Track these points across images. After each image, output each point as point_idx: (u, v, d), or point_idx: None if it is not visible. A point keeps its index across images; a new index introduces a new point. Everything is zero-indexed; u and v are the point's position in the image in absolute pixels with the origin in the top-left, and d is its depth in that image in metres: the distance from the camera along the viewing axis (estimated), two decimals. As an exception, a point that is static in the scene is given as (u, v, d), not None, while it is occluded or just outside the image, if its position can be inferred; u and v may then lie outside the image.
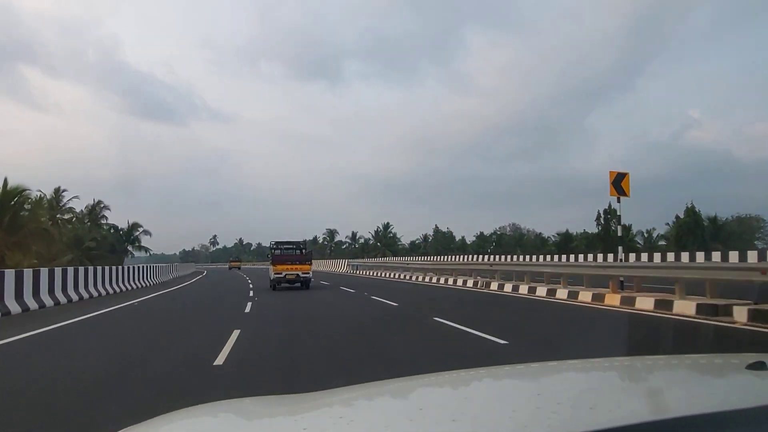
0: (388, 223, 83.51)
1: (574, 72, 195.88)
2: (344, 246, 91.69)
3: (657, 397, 1.18)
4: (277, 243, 23.14)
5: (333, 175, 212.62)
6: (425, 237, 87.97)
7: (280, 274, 20.90)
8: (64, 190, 48.87)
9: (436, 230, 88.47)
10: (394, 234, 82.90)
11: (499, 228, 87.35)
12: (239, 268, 68.35)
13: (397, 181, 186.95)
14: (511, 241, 78.21)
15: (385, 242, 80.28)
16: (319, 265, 49.51)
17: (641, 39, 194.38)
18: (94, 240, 47.59)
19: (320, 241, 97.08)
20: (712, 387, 1.29)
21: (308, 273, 21.03)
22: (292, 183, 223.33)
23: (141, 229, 61.84)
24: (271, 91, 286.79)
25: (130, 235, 60.11)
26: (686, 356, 1.80)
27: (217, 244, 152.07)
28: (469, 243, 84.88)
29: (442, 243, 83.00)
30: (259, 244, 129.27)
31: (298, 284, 20.70)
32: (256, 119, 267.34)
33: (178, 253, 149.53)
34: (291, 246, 22.98)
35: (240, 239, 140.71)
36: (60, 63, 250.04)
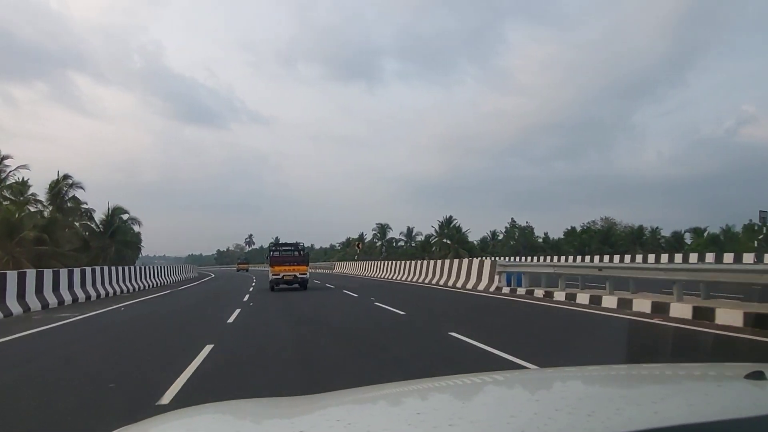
0: (450, 217, 71.35)
1: (619, 66, 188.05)
2: (399, 244, 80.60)
3: (656, 405, 1.14)
4: (275, 245, 25.16)
5: (369, 176, 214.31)
6: (494, 233, 78.45)
7: (278, 275, 22.22)
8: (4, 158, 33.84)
9: (512, 225, 77.29)
10: (459, 227, 70.48)
11: (588, 222, 74.06)
12: (247, 270, 71.07)
13: (434, 181, 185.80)
14: (628, 238, 66.40)
15: (457, 238, 67.50)
16: (372, 270, 40.47)
17: (692, 30, 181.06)
18: (40, 229, 32.17)
19: (368, 239, 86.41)
20: (711, 396, 1.26)
21: (305, 274, 22.48)
22: (329, 184, 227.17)
23: (127, 216, 45.57)
24: (309, 92, 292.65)
25: (110, 225, 43.16)
26: (686, 365, 1.85)
27: (253, 243, 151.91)
28: (554, 239, 75.79)
29: (520, 240, 73.38)
30: (296, 243, 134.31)
31: (296, 285, 22.10)
32: (294, 121, 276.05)
33: (214, 254, 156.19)
34: (289, 248, 24.39)
35: (276, 238, 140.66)
36: (107, 69, 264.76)
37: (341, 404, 1.32)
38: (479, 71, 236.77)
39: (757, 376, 1.19)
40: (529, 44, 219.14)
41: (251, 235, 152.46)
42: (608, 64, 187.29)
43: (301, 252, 24.17)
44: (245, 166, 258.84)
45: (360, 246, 64.83)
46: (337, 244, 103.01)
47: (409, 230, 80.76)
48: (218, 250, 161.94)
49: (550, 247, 71.08)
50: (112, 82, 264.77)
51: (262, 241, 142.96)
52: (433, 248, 69.34)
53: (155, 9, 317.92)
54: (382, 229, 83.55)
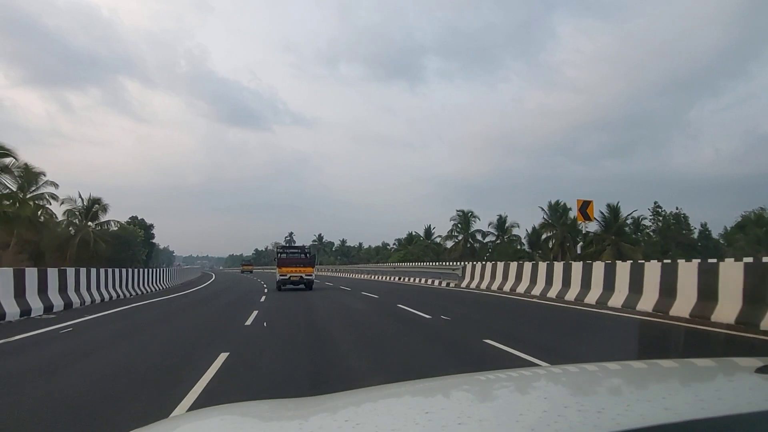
0: (558, 201, 56.13)
1: (675, 58, 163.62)
2: (488, 239, 63.18)
3: (665, 400, 1.16)
4: (282, 247, 30.27)
5: (409, 176, 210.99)
6: (637, 222, 58.38)
7: (285, 275, 24.35)
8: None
9: (656, 210, 57.40)
10: (617, 208, 53.72)
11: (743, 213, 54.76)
12: (251, 272, 72.06)
13: (474, 180, 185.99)
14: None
15: (615, 228, 51.98)
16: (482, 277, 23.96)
17: (756, 17, 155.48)
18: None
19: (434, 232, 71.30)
20: (721, 390, 1.27)
21: (311, 275, 24.79)
22: (370, 184, 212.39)
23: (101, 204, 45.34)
24: (350, 93, 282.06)
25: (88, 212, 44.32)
26: (695, 360, 1.80)
27: (294, 242, 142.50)
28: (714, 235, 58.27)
29: (671, 232, 54.15)
30: (343, 242, 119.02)
31: (302, 285, 24.35)
32: (335, 122, 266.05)
33: (253, 253, 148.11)
34: (295, 250, 27.80)
35: (319, 235, 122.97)
36: (155, 74, 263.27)
37: (349, 404, 1.34)
38: (524, 67, 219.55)
39: (767, 370, 1.21)
40: (579, 37, 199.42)
41: (291, 233, 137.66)
42: (663, 56, 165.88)
43: (307, 254, 26.79)
44: (287, 167, 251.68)
45: None
46: (392, 242, 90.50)
47: (501, 220, 62.60)
48: (256, 249, 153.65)
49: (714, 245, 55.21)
50: (160, 87, 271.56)
51: (304, 239, 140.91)
52: (551, 242, 53.06)
53: (201, 14, 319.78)
54: (465, 218, 63.28)
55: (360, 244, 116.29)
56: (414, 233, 74.88)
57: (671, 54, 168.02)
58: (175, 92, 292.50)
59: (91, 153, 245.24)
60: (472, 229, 62.11)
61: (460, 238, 62.05)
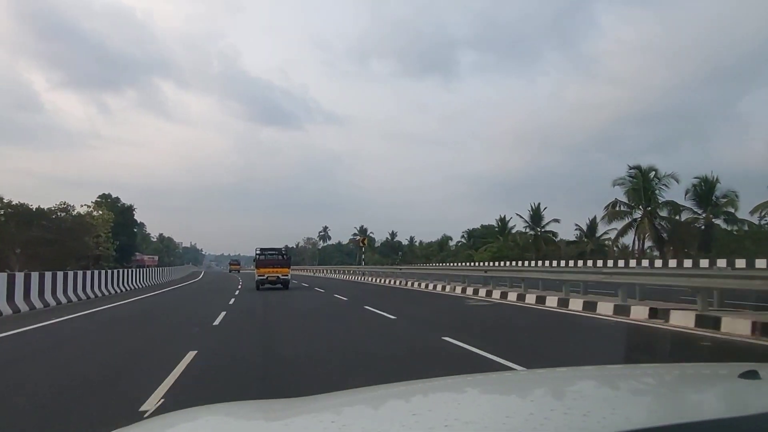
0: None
1: (724, 48, 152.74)
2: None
3: (651, 404, 1.22)
4: (261, 249, 27.88)
5: (441, 174, 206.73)
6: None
7: (263, 276, 25.89)
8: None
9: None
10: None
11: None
12: (238, 271, 73.52)
13: (508, 178, 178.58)
14: None
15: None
16: None
17: None
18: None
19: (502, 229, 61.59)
20: (706, 395, 1.34)
21: (287, 275, 26.37)
22: (402, 182, 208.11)
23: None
24: (382, 89, 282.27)
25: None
26: (680, 364, 2.04)
27: (329, 238, 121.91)
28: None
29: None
30: (388, 238, 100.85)
31: (279, 285, 25.86)
32: (367, 119, 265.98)
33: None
34: (273, 252, 28.35)
35: (362, 227, 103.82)
36: (189, 75, 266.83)
37: (335, 406, 1.34)
38: (563, 59, 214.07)
39: (751, 375, 1.22)
40: (622, 27, 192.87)
41: (326, 228, 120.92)
42: (710, 45, 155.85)
43: (284, 256, 28.28)
44: (318, 165, 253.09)
45: (364, 243, 50.79)
46: (460, 236, 80.00)
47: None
48: (286, 246, 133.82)
49: None
50: (194, 87, 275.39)
51: (341, 236, 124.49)
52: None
53: (232, 15, 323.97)
54: (536, 213, 55.56)
55: (411, 238, 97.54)
56: (482, 226, 68.63)
57: (721, 42, 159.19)
58: (208, 93, 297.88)
59: (128, 154, 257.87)
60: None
61: (530, 234, 54.21)
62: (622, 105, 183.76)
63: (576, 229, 55.15)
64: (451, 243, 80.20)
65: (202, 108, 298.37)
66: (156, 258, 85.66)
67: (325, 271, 56.79)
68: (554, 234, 55.66)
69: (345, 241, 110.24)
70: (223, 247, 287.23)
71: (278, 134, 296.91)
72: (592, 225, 52.73)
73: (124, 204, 65.70)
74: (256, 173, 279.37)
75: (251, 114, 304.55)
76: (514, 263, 41.05)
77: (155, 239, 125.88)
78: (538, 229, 54.67)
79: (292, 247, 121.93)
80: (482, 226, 71.80)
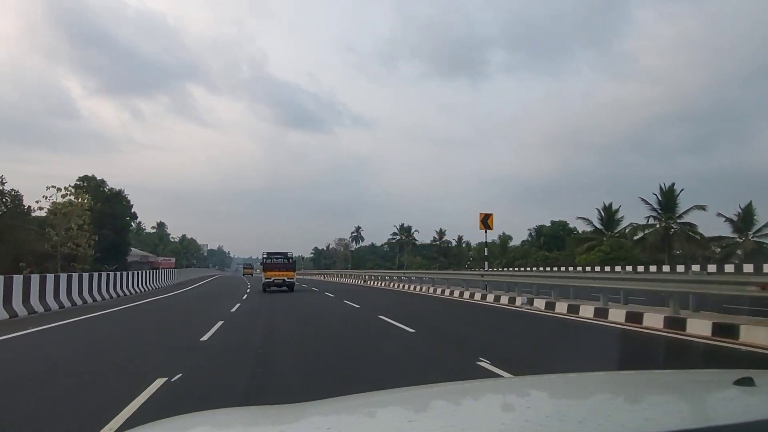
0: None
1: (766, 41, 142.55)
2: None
3: (646, 411, 1.17)
4: (268, 254, 29.40)
5: (470, 178, 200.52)
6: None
7: (270, 279, 27.44)
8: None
9: None
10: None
11: None
12: (251, 275, 73.17)
13: (539, 181, 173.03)
14: None
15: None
16: None
17: None
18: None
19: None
20: (701, 402, 1.34)
21: (292, 278, 27.97)
22: (429, 187, 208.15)
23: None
24: (411, 91, 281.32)
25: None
26: (675, 371, 2.01)
27: (362, 240, 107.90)
28: None
29: None
30: (441, 233, 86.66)
31: (285, 287, 27.35)
32: (394, 122, 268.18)
33: (311, 253, 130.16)
34: (279, 256, 29.61)
35: (404, 225, 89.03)
36: (219, 80, 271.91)
37: (332, 412, 1.34)
38: (596, 57, 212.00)
39: (746, 382, 1.23)
40: (658, 22, 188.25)
41: (359, 228, 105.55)
42: (754, 41, 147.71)
43: (290, 260, 29.56)
44: (346, 168, 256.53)
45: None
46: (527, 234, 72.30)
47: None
48: (315, 248, 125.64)
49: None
50: (224, 92, 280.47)
51: (375, 237, 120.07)
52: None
53: (262, 20, 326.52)
54: (609, 212, 50.14)
55: (459, 238, 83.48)
56: (552, 223, 62.14)
57: (763, 35, 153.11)
58: (237, 97, 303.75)
59: (160, 158, 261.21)
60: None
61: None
62: (658, 104, 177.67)
63: (725, 221, 41.18)
64: (511, 243, 70.86)
65: (232, 112, 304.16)
66: (173, 260, 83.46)
67: (360, 279, 43.28)
68: (692, 227, 41.01)
69: (379, 243, 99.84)
70: (252, 250, 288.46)
71: (306, 138, 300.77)
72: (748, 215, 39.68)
73: (112, 189, 53.86)
74: (285, 176, 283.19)
75: (280, 118, 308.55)
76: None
77: (175, 240, 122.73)
78: (671, 222, 40.85)
79: (322, 249, 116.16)
80: (553, 222, 65.57)
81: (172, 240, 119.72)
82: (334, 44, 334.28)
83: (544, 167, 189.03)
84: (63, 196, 36.94)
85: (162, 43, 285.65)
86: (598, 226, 49.73)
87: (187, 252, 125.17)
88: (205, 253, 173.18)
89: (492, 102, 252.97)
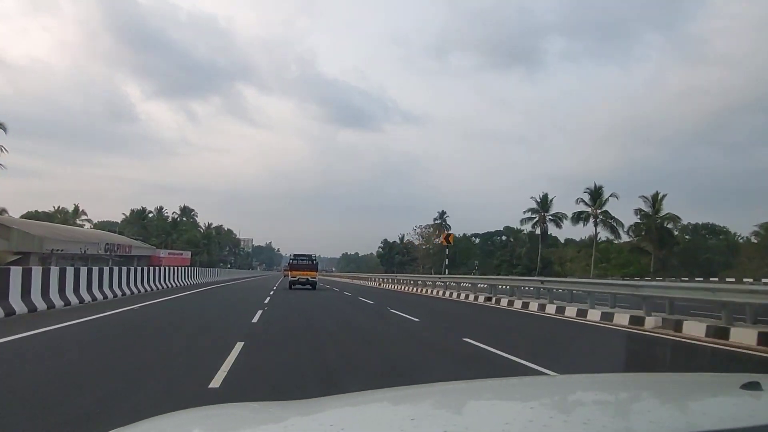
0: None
1: None
2: None
3: (651, 414, 1.19)
4: (294, 255, 33.72)
5: (524, 174, 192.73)
6: None
7: (295, 278, 31.45)
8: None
9: None
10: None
11: None
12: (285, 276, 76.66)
13: (598, 176, 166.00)
14: None
15: None
16: None
17: None
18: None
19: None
20: (707, 406, 1.31)
21: (315, 278, 32.01)
22: (482, 184, 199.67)
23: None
24: (462, 85, 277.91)
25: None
26: (682, 374, 2.01)
27: (448, 228, 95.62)
28: None
29: None
30: (494, 229, 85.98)
31: (308, 285, 31.13)
32: (445, 117, 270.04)
33: (379, 248, 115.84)
34: (304, 258, 33.05)
35: (442, 211, 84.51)
36: (269, 79, 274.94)
37: (334, 409, 1.35)
38: (663, 41, 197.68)
39: (753, 386, 1.22)
40: (736, 1, 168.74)
41: (443, 213, 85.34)
42: None
43: (313, 261, 33.03)
44: (396, 166, 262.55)
45: (449, 240, 36.80)
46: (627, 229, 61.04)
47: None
48: (385, 240, 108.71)
49: None
50: (274, 92, 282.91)
51: (457, 227, 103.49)
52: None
53: (309, 18, 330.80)
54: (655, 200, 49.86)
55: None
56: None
57: None
58: (287, 96, 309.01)
59: (213, 159, 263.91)
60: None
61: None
62: (733, 92, 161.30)
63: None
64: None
65: (282, 112, 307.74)
66: (186, 255, 71.92)
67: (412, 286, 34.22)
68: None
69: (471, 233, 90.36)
70: (302, 249, 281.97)
71: (356, 135, 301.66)
72: None
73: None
74: (335, 174, 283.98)
75: (329, 116, 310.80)
76: None
77: (202, 229, 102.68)
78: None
79: (394, 241, 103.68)
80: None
81: (198, 229, 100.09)
82: (383, 38, 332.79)
83: (602, 161, 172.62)
84: None
85: (213, 44, 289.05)
86: None
87: (210, 244, 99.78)
88: (249, 249, 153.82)
89: (548, 94, 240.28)
